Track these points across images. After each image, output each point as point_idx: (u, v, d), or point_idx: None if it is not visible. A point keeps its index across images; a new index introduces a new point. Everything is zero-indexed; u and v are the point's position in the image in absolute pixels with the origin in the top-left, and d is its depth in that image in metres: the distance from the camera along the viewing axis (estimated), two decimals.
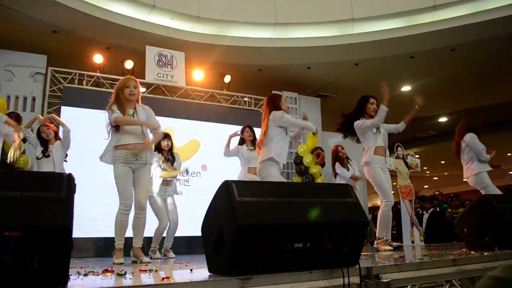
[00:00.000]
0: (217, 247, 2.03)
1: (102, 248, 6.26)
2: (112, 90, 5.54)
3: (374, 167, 4.60)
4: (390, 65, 9.02)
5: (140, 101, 4.03)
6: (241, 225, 1.89)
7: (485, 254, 3.07)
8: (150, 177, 4.26)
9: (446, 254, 3.24)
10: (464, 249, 3.62)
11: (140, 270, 2.45)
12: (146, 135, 3.87)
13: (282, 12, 8.15)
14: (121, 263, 3.43)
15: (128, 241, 3.86)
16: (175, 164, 5.35)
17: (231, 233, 1.91)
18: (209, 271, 2.13)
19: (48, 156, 5.17)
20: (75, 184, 1.67)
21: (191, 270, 2.38)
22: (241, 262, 1.96)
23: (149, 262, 3.65)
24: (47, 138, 5.23)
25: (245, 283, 1.92)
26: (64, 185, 1.63)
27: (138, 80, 7.54)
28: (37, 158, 5.16)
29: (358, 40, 8.18)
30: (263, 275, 1.97)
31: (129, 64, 7.60)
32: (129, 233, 3.83)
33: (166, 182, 5.24)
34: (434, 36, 7.94)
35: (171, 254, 5.33)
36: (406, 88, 10.43)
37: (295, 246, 2.06)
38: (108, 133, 3.86)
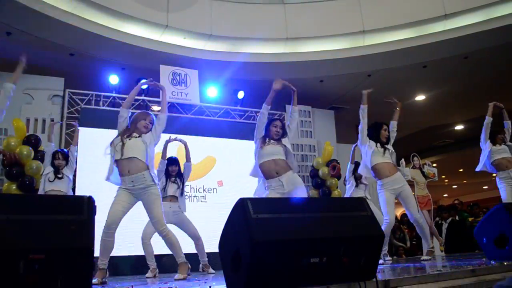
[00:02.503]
0: (234, 265, 2.06)
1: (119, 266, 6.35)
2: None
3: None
4: (403, 75, 9.00)
5: None
6: (257, 242, 1.93)
7: (505, 263, 3.04)
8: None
9: (466, 264, 3.22)
10: (484, 259, 3.59)
11: None
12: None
13: (293, 27, 8.23)
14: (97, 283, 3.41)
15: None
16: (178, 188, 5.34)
17: (248, 250, 1.95)
18: None
19: (61, 177, 5.24)
20: (95, 206, 1.73)
21: (209, 287, 2.41)
22: (258, 279, 1.98)
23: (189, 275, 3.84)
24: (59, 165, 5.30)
25: None
26: (85, 208, 1.69)
27: (152, 98, 7.75)
28: (50, 181, 5.21)
29: (369, 51, 8.20)
30: None
31: (144, 84, 7.72)
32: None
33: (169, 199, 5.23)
34: (446, 44, 7.92)
35: (211, 270, 5.23)
36: (420, 97, 10.39)
37: (311, 261, 2.08)
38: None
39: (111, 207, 3.63)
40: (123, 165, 3.73)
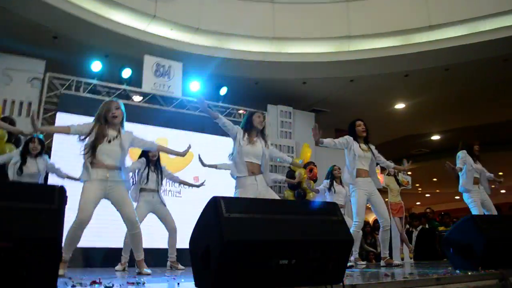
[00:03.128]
0: (204, 262, 2.07)
1: (90, 258, 6.28)
2: (109, 98, 5.58)
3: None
4: (385, 82, 9.13)
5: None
6: (228, 241, 1.94)
7: (469, 273, 3.12)
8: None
9: (432, 273, 3.29)
10: (450, 268, 3.68)
11: (128, 282, 2.48)
12: None
13: (280, 27, 8.26)
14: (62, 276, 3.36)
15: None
16: (161, 175, 5.33)
17: (218, 248, 1.96)
18: (196, 285, 2.17)
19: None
20: (66, 197, 1.71)
21: (178, 283, 2.42)
22: (227, 277, 2.00)
23: (149, 274, 3.78)
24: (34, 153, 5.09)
25: None
26: (56, 197, 1.68)
27: (134, 88, 7.66)
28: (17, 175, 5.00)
29: (354, 57, 8.29)
30: None
31: (126, 73, 7.65)
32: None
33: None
34: (429, 55, 8.06)
35: (180, 266, 5.16)
36: (400, 105, 10.56)
37: (280, 262, 2.10)
38: None
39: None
40: None
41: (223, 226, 1.97)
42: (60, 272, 3.26)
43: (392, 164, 5.33)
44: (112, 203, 3.72)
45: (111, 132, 3.73)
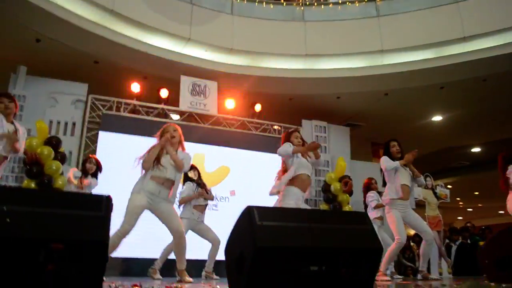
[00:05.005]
0: (238, 267, 2.18)
1: (127, 267, 6.52)
2: (147, 117, 5.84)
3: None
4: (420, 95, 9.06)
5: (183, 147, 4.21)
6: (260, 247, 2.05)
7: (503, 286, 3.08)
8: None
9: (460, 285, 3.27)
10: (485, 281, 3.63)
11: (166, 286, 2.61)
12: None
13: (312, 44, 8.38)
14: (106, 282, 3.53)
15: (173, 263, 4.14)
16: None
17: (251, 254, 2.07)
18: None
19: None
20: (112, 204, 1.88)
21: None
22: (259, 281, 2.10)
23: (191, 281, 3.92)
24: (90, 172, 5.43)
25: None
26: (103, 205, 1.85)
27: (172, 108, 7.94)
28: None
29: (387, 71, 8.29)
30: None
31: (164, 93, 7.98)
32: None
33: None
34: (464, 67, 7.95)
35: (215, 276, 5.39)
36: (437, 118, 10.40)
37: (311, 269, 2.19)
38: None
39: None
40: None
41: (256, 233, 2.08)
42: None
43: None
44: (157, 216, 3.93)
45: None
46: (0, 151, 3.85)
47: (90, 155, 5.67)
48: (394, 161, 4.86)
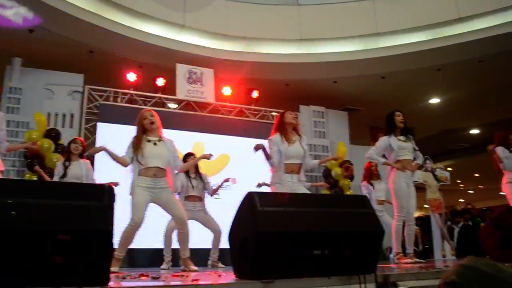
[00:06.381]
0: (241, 253, 2.20)
1: (134, 258, 6.55)
2: (145, 107, 5.80)
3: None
4: (417, 77, 9.04)
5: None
6: (262, 232, 2.07)
7: (506, 265, 3.11)
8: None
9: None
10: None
11: (172, 275, 2.64)
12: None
13: (307, 28, 8.34)
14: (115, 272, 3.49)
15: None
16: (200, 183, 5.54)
17: (254, 239, 2.09)
18: (235, 276, 2.30)
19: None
20: (114, 194, 1.89)
21: (219, 275, 2.56)
22: (263, 266, 2.12)
23: (196, 270, 3.86)
24: (76, 153, 5.16)
25: (267, 287, 2.08)
26: (105, 195, 1.85)
27: (170, 97, 7.91)
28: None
29: (383, 54, 8.27)
30: (285, 279, 2.13)
31: (160, 82, 7.94)
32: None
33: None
34: (460, 48, 7.94)
35: (221, 265, 5.35)
36: (434, 100, 10.41)
37: (314, 252, 2.21)
38: None
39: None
40: None
41: (258, 219, 2.10)
42: (115, 269, 3.42)
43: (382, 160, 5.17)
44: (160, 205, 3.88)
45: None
46: None
47: (76, 137, 5.47)
48: (395, 128, 4.81)
